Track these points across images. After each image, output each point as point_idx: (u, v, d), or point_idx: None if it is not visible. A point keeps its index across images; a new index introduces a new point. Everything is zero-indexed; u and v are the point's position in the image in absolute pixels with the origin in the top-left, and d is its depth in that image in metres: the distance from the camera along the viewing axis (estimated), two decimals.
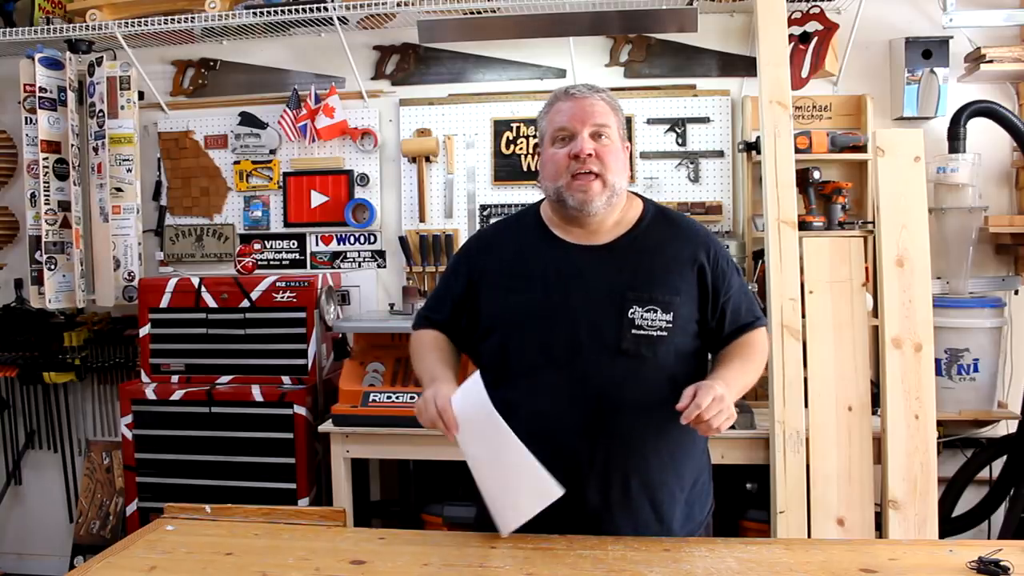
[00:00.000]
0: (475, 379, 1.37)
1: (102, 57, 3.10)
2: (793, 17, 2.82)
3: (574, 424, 1.41)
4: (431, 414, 1.39)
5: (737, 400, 1.43)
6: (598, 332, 1.44)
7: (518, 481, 1.36)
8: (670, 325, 1.45)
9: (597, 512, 1.44)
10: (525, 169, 3.09)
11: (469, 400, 1.38)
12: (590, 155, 1.45)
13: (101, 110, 3.10)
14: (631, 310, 1.44)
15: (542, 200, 1.61)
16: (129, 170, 3.14)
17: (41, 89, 3.06)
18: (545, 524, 1.44)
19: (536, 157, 1.62)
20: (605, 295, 1.45)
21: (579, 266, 1.49)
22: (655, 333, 1.44)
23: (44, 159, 3.09)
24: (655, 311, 1.44)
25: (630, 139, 3.03)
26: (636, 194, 1.61)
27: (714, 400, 1.30)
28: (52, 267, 3.11)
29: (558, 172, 1.48)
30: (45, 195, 3.10)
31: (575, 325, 1.45)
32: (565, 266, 1.49)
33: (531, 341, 1.47)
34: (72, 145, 3.09)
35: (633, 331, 1.43)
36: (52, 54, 3.08)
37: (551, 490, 1.33)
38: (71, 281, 3.14)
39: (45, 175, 3.09)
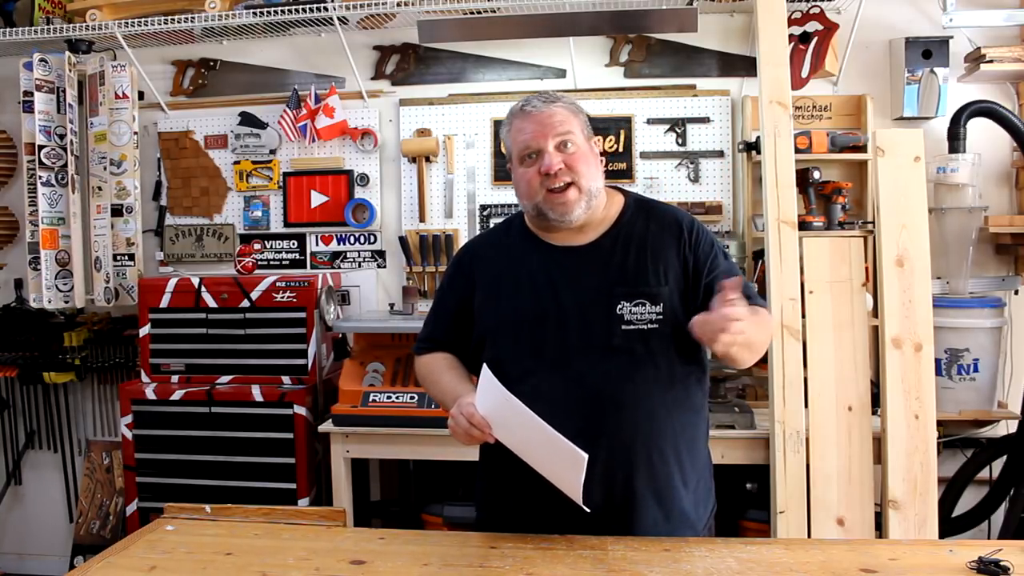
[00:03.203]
0: (486, 374, 1.37)
1: (64, 58, 3.08)
2: (793, 17, 2.82)
3: (572, 426, 1.36)
4: (463, 425, 1.38)
5: (745, 356, 1.39)
6: (588, 331, 1.44)
7: (556, 455, 1.34)
8: (661, 317, 1.44)
9: (602, 512, 1.42)
10: None
11: (489, 396, 1.37)
12: (560, 169, 1.44)
13: (72, 107, 3.10)
14: (619, 306, 1.44)
15: None
16: (105, 168, 3.14)
17: (26, 93, 3.06)
18: (552, 527, 1.44)
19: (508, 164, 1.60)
20: (593, 293, 1.46)
21: (566, 267, 1.49)
22: (646, 327, 1.44)
23: (29, 161, 3.11)
24: (644, 304, 1.44)
25: (629, 140, 3.04)
26: (617, 188, 1.60)
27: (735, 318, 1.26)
28: (37, 267, 3.12)
29: (532, 191, 1.48)
30: (30, 196, 3.11)
31: (565, 326, 1.45)
32: (553, 269, 1.49)
33: (524, 346, 1.47)
34: (42, 147, 3.08)
35: (623, 327, 1.44)
36: (37, 56, 3.08)
37: (578, 457, 1.30)
38: (60, 281, 3.14)
39: (30, 177, 3.10)
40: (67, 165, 3.10)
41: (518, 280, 1.52)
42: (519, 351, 1.47)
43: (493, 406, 1.37)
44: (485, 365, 1.37)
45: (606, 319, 1.44)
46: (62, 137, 3.11)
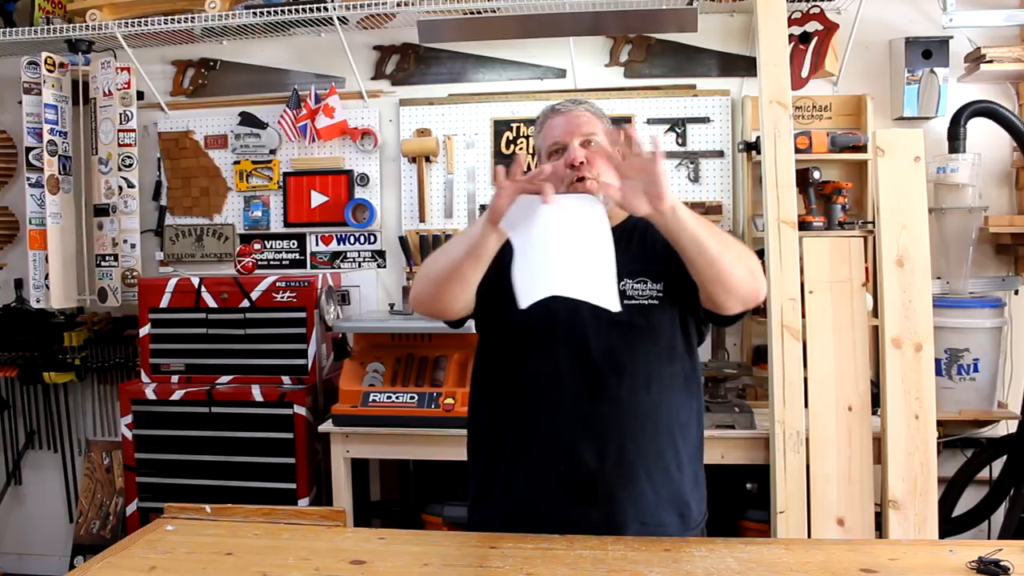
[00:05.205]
0: (598, 202, 1.40)
1: (56, 60, 3.11)
2: (793, 17, 2.82)
3: (573, 389, 1.49)
4: (514, 173, 1.40)
5: (693, 234, 1.37)
6: (594, 305, 1.50)
7: (582, 267, 1.36)
8: (661, 294, 1.54)
9: (593, 476, 1.48)
10: (525, 169, 3.09)
11: (583, 202, 1.40)
12: (582, 162, 1.54)
13: (56, 107, 3.13)
14: (622, 282, 1.52)
15: None
16: (85, 169, 3.17)
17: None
18: (543, 489, 1.50)
19: (536, 162, 1.69)
20: None
21: None
22: (646, 302, 1.53)
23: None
24: (645, 282, 1.54)
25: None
26: None
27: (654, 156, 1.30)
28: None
29: (556, 182, 1.56)
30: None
31: (574, 300, 1.49)
32: None
33: (536, 315, 1.50)
34: (31, 148, 3.09)
35: (626, 301, 1.51)
36: (26, 59, 3.10)
37: (612, 298, 1.33)
38: (58, 280, 3.14)
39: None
40: (44, 165, 3.09)
41: None
42: (530, 317, 1.50)
43: (573, 202, 1.38)
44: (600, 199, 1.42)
45: None
46: (50, 138, 3.12)
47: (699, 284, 1.45)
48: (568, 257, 1.37)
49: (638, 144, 1.35)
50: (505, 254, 1.55)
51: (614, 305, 1.34)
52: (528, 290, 1.35)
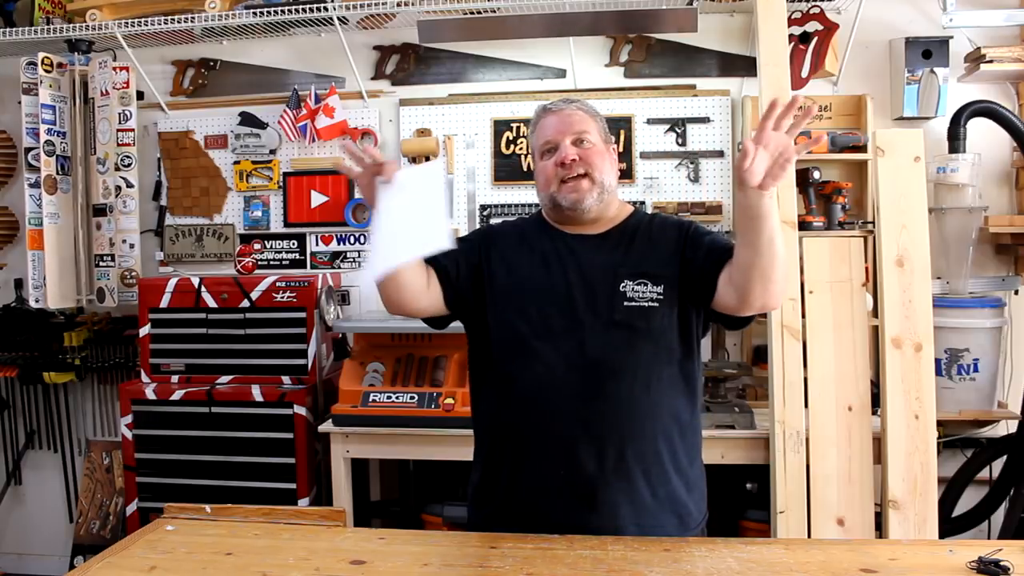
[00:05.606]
0: (437, 163, 1.49)
1: (53, 60, 3.12)
2: (793, 17, 2.82)
3: (570, 390, 1.48)
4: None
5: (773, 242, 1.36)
6: (593, 305, 1.53)
7: (419, 228, 1.42)
8: (661, 296, 1.52)
9: (593, 480, 1.48)
10: (525, 169, 3.09)
11: (420, 170, 1.51)
12: (574, 160, 1.55)
13: (53, 107, 3.14)
14: (623, 284, 1.53)
15: None
16: (80, 169, 3.20)
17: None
18: (544, 493, 1.50)
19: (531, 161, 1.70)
20: (599, 272, 1.55)
21: (575, 250, 1.59)
22: (647, 304, 1.52)
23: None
24: (645, 284, 1.53)
25: (629, 140, 3.04)
26: (631, 203, 1.72)
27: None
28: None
29: (548, 181, 1.59)
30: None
31: (572, 300, 1.53)
32: (563, 250, 1.59)
33: (532, 315, 1.54)
34: (30, 149, 3.11)
35: (625, 303, 1.52)
36: (24, 60, 3.11)
37: (442, 239, 1.42)
38: (54, 280, 3.14)
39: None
40: (40, 166, 3.09)
41: (531, 257, 1.61)
42: (529, 318, 1.54)
43: (413, 176, 1.47)
44: (440, 160, 1.51)
45: (610, 295, 1.52)
46: (47, 138, 3.12)
47: (738, 279, 1.42)
48: (407, 223, 1.42)
49: (787, 122, 1.31)
50: (476, 252, 1.60)
51: (445, 243, 1.41)
52: (373, 266, 1.45)
